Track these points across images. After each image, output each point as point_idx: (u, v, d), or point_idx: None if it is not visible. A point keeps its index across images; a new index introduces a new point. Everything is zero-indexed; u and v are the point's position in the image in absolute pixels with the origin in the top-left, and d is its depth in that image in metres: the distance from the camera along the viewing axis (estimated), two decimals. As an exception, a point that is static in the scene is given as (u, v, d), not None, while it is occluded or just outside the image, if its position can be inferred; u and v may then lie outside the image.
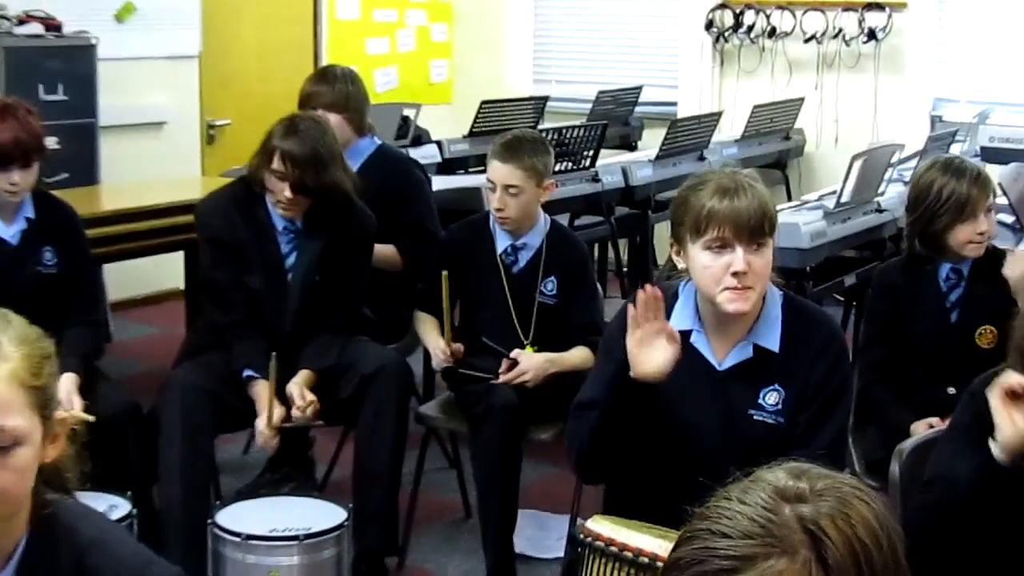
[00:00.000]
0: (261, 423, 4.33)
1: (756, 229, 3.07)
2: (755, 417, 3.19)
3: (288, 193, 4.44)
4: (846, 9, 9.08)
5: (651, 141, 8.58)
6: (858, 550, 1.43)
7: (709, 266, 3.09)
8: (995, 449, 2.74)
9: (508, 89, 9.97)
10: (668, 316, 3.19)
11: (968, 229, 4.24)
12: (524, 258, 4.79)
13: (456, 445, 5.39)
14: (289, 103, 5.47)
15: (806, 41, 9.22)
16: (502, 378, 4.53)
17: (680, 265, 3.20)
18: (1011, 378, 2.70)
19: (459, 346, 4.67)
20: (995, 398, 2.71)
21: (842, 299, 7.11)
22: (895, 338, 4.38)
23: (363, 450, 4.55)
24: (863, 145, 6.89)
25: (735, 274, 3.05)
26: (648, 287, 3.07)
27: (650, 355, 3.05)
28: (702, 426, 3.19)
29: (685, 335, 3.20)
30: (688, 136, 7.89)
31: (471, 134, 8.02)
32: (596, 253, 7.87)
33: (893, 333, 4.38)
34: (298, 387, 4.43)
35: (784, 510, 1.45)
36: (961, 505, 2.85)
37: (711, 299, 3.13)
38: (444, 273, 4.60)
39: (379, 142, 5.51)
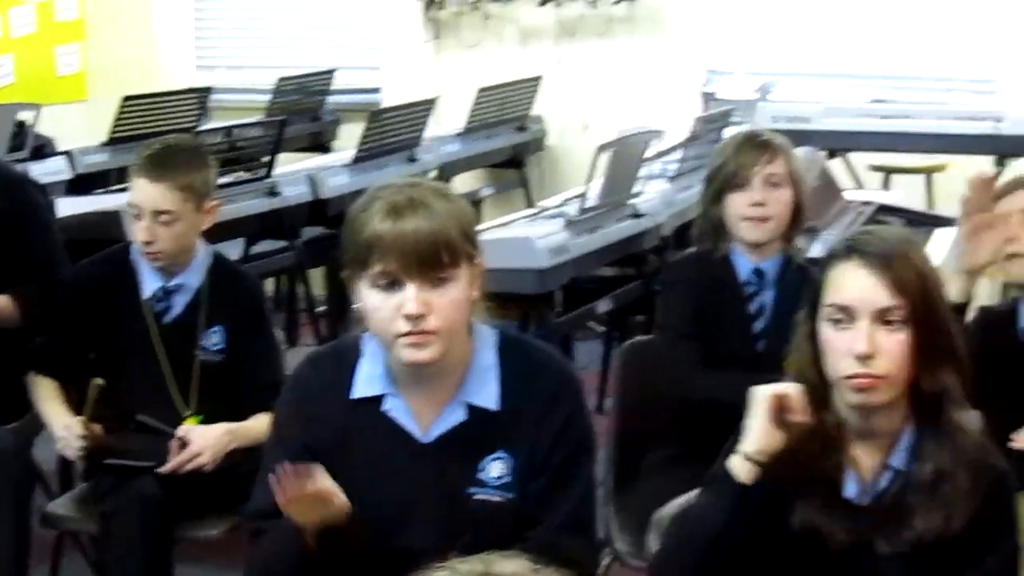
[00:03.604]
0: None
1: (430, 259, 3.02)
2: (476, 496, 3.20)
3: None
4: (590, -38, 9.29)
5: (351, 139, 8.59)
6: None
7: (379, 308, 3.06)
8: (736, 463, 3.04)
9: (163, 80, 9.89)
10: (351, 375, 3.23)
11: (739, 199, 4.54)
12: (180, 304, 4.70)
13: (107, 552, 5.29)
14: None
15: (542, 4, 9.39)
16: (171, 464, 4.41)
17: (357, 305, 3.17)
18: (782, 387, 3.03)
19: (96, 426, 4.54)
20: (759, 401, 3.04)
21: (602, 328, 7.23)
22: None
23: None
24: (619, 134, 7.03)
25: (408, 317, 3.04)
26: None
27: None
28: (410, 517, 3.19)
29: (376, 401, 3.22)
30: (395, 131, 7.93)
31: (111, 140, 7.95)
32: (284, 287, 7.86)
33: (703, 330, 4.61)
34: None
35: None
36: (707, 539, 3.09)
37: (389, 349, 3.12)
38: (97, 383, 4.45)
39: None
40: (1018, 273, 4.20)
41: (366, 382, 3.24)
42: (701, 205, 4.74)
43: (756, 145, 4.62)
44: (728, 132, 7.15)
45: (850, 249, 3.09)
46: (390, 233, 3.01)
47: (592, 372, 6.96)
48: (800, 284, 4.41)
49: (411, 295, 3.01)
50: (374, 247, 3.02)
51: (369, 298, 3.07)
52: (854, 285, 3.04)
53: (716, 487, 3.09)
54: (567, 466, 3.23)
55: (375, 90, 9.66)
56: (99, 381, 4.43)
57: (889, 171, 8.42)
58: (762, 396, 3.03)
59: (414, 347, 3.05)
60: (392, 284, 3.03)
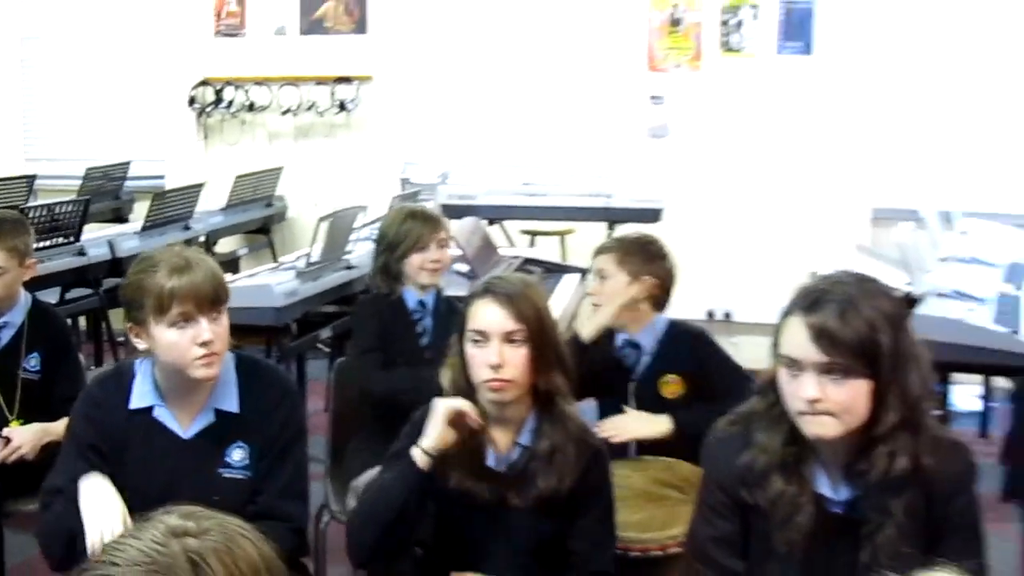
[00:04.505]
0: None
1: (214, 299, 3.08)
2: (224, 475, 3.21)
3: None
4: (318, 83, 9.30)
5: (142, 213, 8.45)
6: None
7: (177, 342, 3.07)
8: (417, 454, 3.08)
9: (-2, 169, 9.66)
10: (128, 392, 3.23)
11: (420, 257, 4.70)
12: (6, 336, 4.62)
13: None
14: None
15: (283, 114, 9.38)
16: None
17: (141, 346, 3.15)
18: (458, 403, 3.09)
19: None
20: (439, 412, 3.08)
21: (328, 349, 7.23)
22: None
23: None
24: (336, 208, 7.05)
25: (203, 344, 3.06)
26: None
27: None
28: (177, 494, 3.12)
29: (148, 410, 3.22)
30: (173, 207, 7.83)
31: (-43, 216, 7.68)
32: (91, 324, 7.72)
33: (385, 346, 4.66)
34: None
35: (173, 545, 1.54)
36: (393, 510, 3.11)
37: (183, 371, 3.12)
38: None
39: None
40: (600, 320, 4.30)
41: (139, 396, 3.24)
42: (378, 260, 4.82)
43: (428, 218, 4.77)
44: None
45: (485, 289, 3.17)
46: (186, 284, 3.04)
47: (320, 382, 6.94)
48: (448, 311, 4.58)
49: (205, 327, 3.06)
50: (175, 296, 3.03)
51: (167, 336, 3.07)
52: (487, 315, 3.12)
53: (401, 470, 3.10)
54: (285, 450, 3.28)
55: (160, 176, 9.48)
56: None
57: (534, 234, 8.53)
58: (441, 408, 3.06)
59: (207, 366, 3.09)
60: (187, 321, 3.05)
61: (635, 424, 4.13)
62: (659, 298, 4.31)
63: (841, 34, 8.49)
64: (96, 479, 3.10)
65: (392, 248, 4.75)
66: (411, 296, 4.76)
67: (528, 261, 6.97)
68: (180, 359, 3.09)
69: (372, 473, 3.50)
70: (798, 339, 2.59)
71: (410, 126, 9.24)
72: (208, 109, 9.51)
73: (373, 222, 7.01)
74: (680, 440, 4.00)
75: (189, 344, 3.06)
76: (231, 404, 3.25)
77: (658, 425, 4.07)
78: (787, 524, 2.69)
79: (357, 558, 3.25)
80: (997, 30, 8.27)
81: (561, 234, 8.50)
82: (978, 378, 7.19)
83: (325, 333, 6.26)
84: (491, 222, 7.70)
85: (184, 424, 3.23)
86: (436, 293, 4.80)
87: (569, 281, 6.69)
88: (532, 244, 8.44)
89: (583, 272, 6.96)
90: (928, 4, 8.38)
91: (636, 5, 8.78)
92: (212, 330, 3.07)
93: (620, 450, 4.10)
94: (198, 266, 3.08)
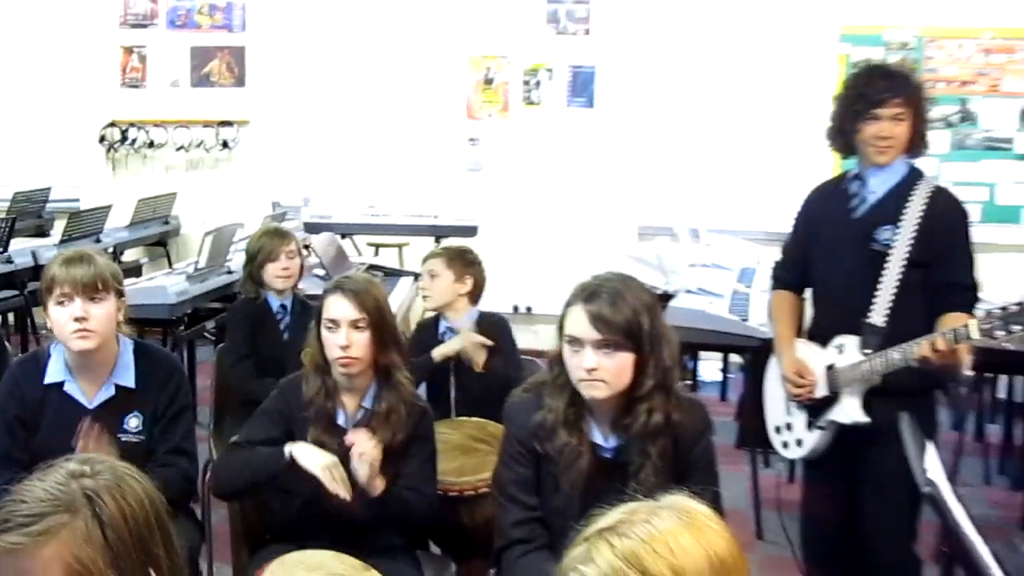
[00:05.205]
0: None
1: (89, 285, 2.99)
2: (122, 439, 3.13)
3: None
4: (205, 126, 9.09)
5: (61, 229, 8.17)
6: (126, 510, 1.52)
7: (59, 318, 3.00)
8: (289, 453, 3.02)
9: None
10: (44, 370, 3.13)
11: (273, 267, 4.62)
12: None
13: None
14: None
15: (177, 150, 9.14)
16: None
17: (49, 324, 3.07)
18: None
19: None
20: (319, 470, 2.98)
21: (213, 338, 7.09)
22: None
23: None
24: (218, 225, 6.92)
25: (76, 319, 2.98)
26: None
27: None
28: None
29: (60, 384, 3.12)
30: (87, 224, 7.59)
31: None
32: (18, 320, 7.45)
33: (254, 346, 4.61)
34: None
35: (72, 484, 1.52)
36: (257, 481, 3.11)
37: (66, 346, 3.04)
38: None
39: None
40: (427, 307, 4.37)
41: (53, 373, 3.14)
42: (245, 270, 4.74)
43: (279, 234, 4.74)
44: (286, 224, 7.13)
45: (336, 286, 3.14)
46: (66, 272, 2.97)
47: (208, 363, 6.78)
48: (302, 310, 4.53)
49: (79, 305, 2.97)
50: (56, 280, 2.97)
51: (54, 313, 3.00)
52: (337, 307, 3.09)
53: (272, 456, 3.03)
54: (174, 417, 3.20)
55: (76, 199, 9.12)
56: None
57: (377, 246, 8.46)
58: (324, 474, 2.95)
59: (80, 339, 3.00)
60: (66, 302, 2.97)
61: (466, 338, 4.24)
62: (475, 294, 4.33)
63: (616, 92, 8.64)
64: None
65: (252, 260, 4.68)
66: (273, 300, 4.68)
67: (372, 267, 6.94)
68: (61, 332, 3.02)
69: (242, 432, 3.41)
70: (579, 322, 2.62)
71: (280, 161, 9.08)
72: (115, 145, 9.22)
73: (248, 236, 6.89)
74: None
75: (67, 320, 2.99)
76: (128, 380, 3.16)
77: (472, 335, 4.23)
78: (570, 468, 2.71)
79: (219, 495, 3.24)
80: (736, 88, 8.48)
81: (399, 246, 8.45)
82: (718, 355, 7.36)
83: (210, 325, 6.15)
84: (344, 236, 7.65)
85: (89, 396, 3.14)
86: (294, 296, 4.72)
87: (405, 282, 6.68)
88: (376, 254, 8.37)
89: (416, 276, 6.94)
90: (682, 70, 8.55)
91: (457, 67, 8.80)
92: (86, 309, 2.98)
93: (443, 413, 4.10)
94: (86, 260, 3.01)
